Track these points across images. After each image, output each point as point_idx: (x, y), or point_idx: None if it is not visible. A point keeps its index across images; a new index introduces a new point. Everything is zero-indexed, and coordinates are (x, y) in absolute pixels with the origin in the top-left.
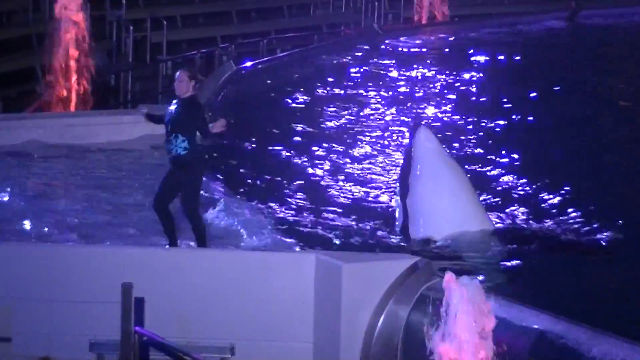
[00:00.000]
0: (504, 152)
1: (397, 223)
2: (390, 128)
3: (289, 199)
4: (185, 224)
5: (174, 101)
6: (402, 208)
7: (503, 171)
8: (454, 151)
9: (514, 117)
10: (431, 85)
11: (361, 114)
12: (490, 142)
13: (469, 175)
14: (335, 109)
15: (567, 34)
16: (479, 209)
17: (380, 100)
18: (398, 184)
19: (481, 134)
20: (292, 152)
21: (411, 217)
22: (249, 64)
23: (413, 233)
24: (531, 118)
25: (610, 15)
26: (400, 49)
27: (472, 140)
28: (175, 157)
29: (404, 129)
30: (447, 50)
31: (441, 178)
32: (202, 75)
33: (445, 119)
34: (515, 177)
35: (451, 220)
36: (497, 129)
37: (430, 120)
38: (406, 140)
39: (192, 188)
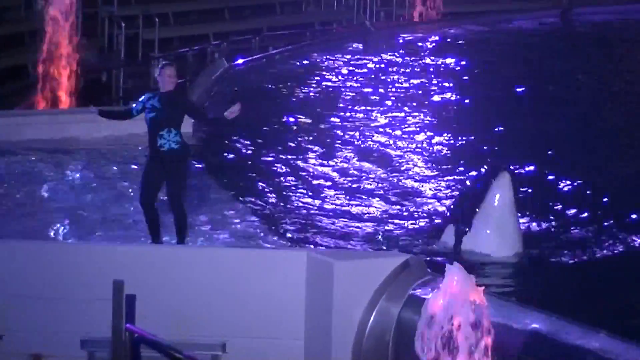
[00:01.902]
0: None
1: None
2: (385, 127)
3: (281, 197)
4: (167, 219)
5: (153, 96)
6: (453, 227)
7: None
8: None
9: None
10: (426, 82)
11: (356, 110)
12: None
13: None
14: (328, 106)
15: (561, 31)
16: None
17: (376, 97)
18: (453, 206)
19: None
20: (284, 149)
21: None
22: (241, 61)
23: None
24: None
25: (604, 12)
26: (393, 45)
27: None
28: (169, 152)
29: (400, 130)
30: (438, 46)
31: (496, 225)
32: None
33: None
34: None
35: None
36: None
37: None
38: (404, 142)
39: (181, 180)
